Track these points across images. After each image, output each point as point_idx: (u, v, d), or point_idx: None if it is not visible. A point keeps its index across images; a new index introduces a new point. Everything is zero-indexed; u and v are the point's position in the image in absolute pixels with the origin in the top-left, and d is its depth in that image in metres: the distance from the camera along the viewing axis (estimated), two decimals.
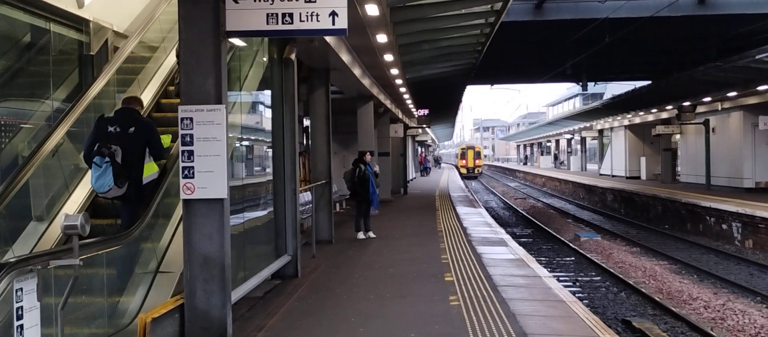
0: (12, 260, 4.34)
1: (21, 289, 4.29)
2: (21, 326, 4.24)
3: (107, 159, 6.65)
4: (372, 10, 10.52)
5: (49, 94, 9.69)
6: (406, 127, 35.33)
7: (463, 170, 69.10)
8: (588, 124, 52.29)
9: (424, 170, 61.19)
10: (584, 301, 13.58)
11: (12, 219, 7.25)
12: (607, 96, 56.84)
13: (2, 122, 8.93)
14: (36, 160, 7.53)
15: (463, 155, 71.72)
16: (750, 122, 27.20)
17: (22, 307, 4.27)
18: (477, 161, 71.10)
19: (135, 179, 7.09)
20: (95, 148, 6.81)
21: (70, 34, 9.94)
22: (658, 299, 13.32)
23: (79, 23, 9.89)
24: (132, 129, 7.15)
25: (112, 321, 6.32)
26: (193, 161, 6.54)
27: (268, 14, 6.63)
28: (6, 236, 7.18)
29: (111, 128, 6.98)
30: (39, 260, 4.52)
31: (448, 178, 49.93)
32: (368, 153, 15.39)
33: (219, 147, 6.56)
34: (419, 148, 61.94)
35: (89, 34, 10.06)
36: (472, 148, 73.06)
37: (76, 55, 10.15)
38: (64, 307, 4.80)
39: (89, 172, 8.15)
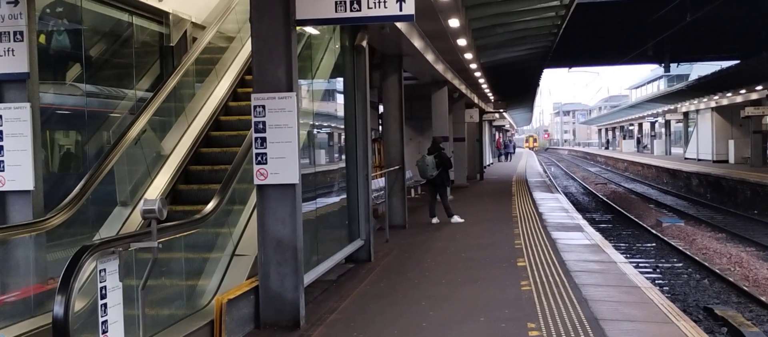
0: (96, 242, 4.59)
1: (104, 270, 4.54)
2: (105, 305, 4.49)
3: None
4: None
5: (133, 85, 10.12)
6: (482, 112, 34.98)
7: (527, 148, 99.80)
8: (672, 107, 50.53)
9: (505, 155, 60.27)
10: (665, 288, 13.26)
11: (98, 204, 7.67)
12: (692, 77, 54.76)
13: (90, 111, 9.39)
14: (120, 148, 7.94)
15: (527, 140, 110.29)
16: None
17: (105, 287, 4.52)
18: (535, 144, 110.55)
19: None
20: None
21: (151, 27, 10.35)
22: (743, 287, 12.85)
23: (159, 16, 10.28)
24: None
25: (191, 302, 6.59)
26: (265, 148, 6.73)
27: (336, 2, 6.73)
28: (93, 220, 7.60)
29: None
30: (120, 242, 4.76)
31: (525, 163, 49.21)
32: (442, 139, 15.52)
33: (290, 134, 6.72)
34: (497, 133, 61.23)
35: (169, 26, 10.44)
36: (532, 136, 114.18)
37: (157, 46, 10.56)
38: (144, 287, 5.04)
39: (169, 160, 8.63)
